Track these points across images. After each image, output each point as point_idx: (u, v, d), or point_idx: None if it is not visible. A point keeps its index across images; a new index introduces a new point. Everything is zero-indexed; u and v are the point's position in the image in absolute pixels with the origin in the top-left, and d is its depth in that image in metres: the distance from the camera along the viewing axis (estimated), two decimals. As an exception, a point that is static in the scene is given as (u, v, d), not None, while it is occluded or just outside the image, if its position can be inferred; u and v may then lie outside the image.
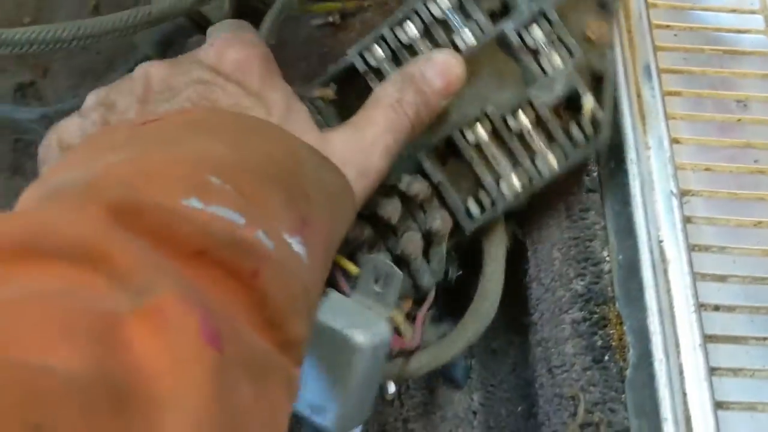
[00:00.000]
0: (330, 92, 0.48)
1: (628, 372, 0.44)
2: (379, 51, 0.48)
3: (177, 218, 0.26)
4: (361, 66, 0.48)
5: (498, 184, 0.48)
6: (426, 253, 0.49)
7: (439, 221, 0.47)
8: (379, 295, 0.44)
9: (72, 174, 0.28)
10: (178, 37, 0.64)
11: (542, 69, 0.47)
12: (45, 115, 0.69)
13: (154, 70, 0.38)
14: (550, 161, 0.47)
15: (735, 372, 0.43)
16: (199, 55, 0.39)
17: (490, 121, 0.47)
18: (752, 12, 0.57)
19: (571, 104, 0.47)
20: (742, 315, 0.45)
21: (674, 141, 0.50)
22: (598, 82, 0.48)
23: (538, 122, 0.47)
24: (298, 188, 0.33)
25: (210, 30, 0.43)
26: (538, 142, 0.47)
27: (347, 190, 0.38)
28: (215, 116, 0.35)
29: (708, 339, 0.44)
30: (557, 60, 0.47)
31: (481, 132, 0.47)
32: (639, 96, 0.51)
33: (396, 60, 0.48)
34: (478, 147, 0.48)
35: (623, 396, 0.44)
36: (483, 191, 0.48)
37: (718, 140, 0.51)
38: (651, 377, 0.43)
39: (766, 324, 0.45)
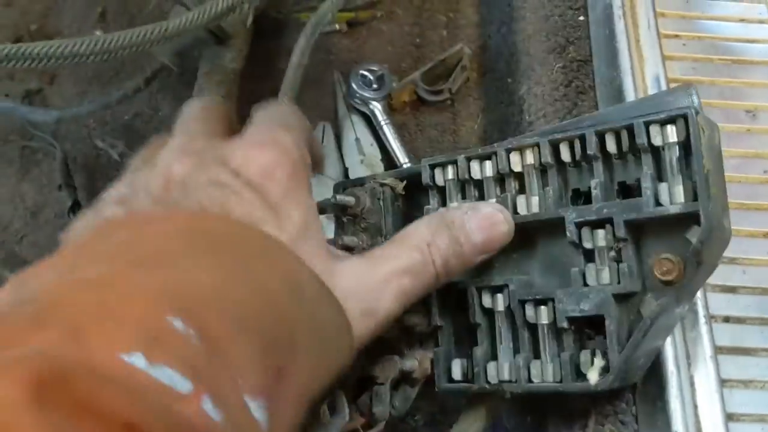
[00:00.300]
0: (400, 186, 0.48)
1: (638, 384, 0.44)
2: (449, 172, 0.46)
3: (108, 387, 0.23)
4: (426, 177, 0.46)
5: (486, 361, 0.44)
6: (398, 386, 0.46)
7: (414, 362, 0.45)
8: (321, 425, 0.41)
9: (27, 292, 0.27)
10: (195, 47, 0.64)
11: (584, 277, 0.41)
12: (60, 119, 0.69)
13: (176, 168, 0.35)
14: (546, 374, 0.42)
15: (745, 384, 0.44)
16: (226, 152, 0.37)
17: (509, 298, 0.43)
18: (761, 22, 0.57)
19: (596, 326, 0.41)
20: (753, 326, 0.45)
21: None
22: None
23: (554, 326, 0.42)
24: (284, 330, 0.30)
25: (256, 114, 0.40)
26: (545, 346, 0.42)
27: (345, 332, 0.35)
28: (219, 228, 0.33)
29: (719, 351, 0.44)
30: (605, 277, 0.41)
31: (500, 302, 0.44)
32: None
33: (462, 189, 0.46)
34: (489, 314, 0.44)
35: (634, 408, 0.44)
36: (473, 360, 0.45)
37: (728, 150, 0.51)
38: (662, 389, 0.43)
39: (776, 335, 0.45)
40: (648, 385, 0.44)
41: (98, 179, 0.70)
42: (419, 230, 0.40)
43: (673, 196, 0.39)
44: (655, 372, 0.43)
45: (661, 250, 0.40)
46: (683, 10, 0.57)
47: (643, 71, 0.53)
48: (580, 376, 0.41)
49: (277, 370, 0.29)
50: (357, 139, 0.71)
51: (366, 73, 0.72)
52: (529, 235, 0.44)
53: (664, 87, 0.52)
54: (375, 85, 0.71)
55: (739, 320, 0.45)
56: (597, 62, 0.55)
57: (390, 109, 0.71)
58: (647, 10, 0.56)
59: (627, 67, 0.53)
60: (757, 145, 0.52)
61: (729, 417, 0.42)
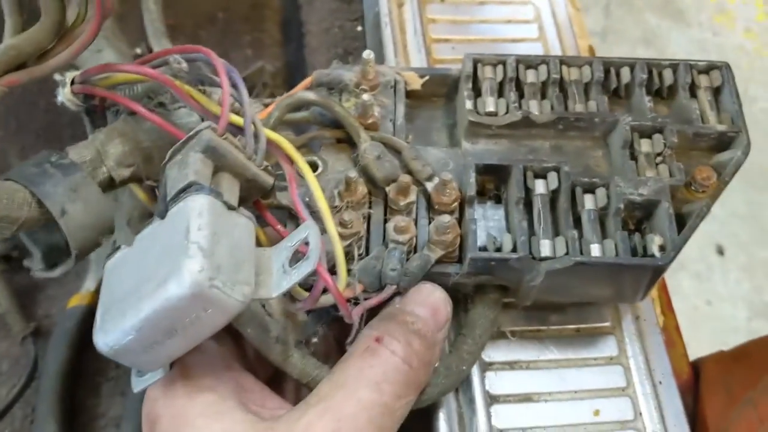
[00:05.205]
0: (417, 82, 0.49)
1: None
2: (489, 69, 0.48)
3: None
4: (467, 68, 0.47)
5: (530, 236, 0.43)
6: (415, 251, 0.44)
7: (444, 221, 0.43)
8: (287, 270, 0.37)
9: None
10: None
11: (638, 171, 0.45)
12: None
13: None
14: (606, 250, 0.43)
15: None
16: None
17: (560, 180, 0.44)
18: (527, 22, 0.60)
19: (643, 218, 0.45)
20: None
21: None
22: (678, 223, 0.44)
23: (600, 212, 0.44)
24: None
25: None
26: (588, 229, 0.44)
27: None
28: None
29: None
30: (663, 172, 0.45)
31: (545, 184, 0.44)
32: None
33: (500, 90, 0.47)
34: (527, 193, 0.44)
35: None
36: (503, 235, 0.44)
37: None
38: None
39: None
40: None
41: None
42: (361, 335, 0.37)
43: (720, 120, 0.46)
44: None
45: (699, 163, 0.45)
46: (453, 15, 0.59)
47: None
48: (635, 254, 0.43)
49: None
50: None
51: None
52: (583, 132, 0.46)
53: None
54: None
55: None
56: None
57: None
58: (414, 17, 0.58)
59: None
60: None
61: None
